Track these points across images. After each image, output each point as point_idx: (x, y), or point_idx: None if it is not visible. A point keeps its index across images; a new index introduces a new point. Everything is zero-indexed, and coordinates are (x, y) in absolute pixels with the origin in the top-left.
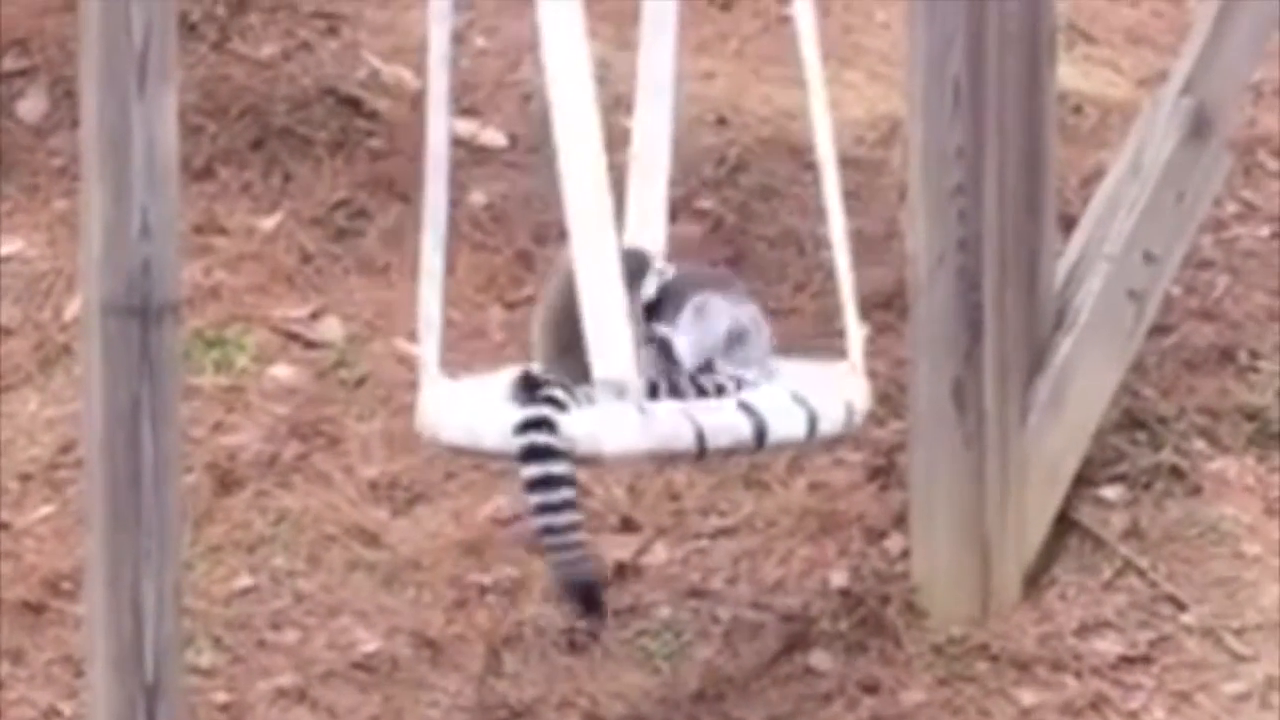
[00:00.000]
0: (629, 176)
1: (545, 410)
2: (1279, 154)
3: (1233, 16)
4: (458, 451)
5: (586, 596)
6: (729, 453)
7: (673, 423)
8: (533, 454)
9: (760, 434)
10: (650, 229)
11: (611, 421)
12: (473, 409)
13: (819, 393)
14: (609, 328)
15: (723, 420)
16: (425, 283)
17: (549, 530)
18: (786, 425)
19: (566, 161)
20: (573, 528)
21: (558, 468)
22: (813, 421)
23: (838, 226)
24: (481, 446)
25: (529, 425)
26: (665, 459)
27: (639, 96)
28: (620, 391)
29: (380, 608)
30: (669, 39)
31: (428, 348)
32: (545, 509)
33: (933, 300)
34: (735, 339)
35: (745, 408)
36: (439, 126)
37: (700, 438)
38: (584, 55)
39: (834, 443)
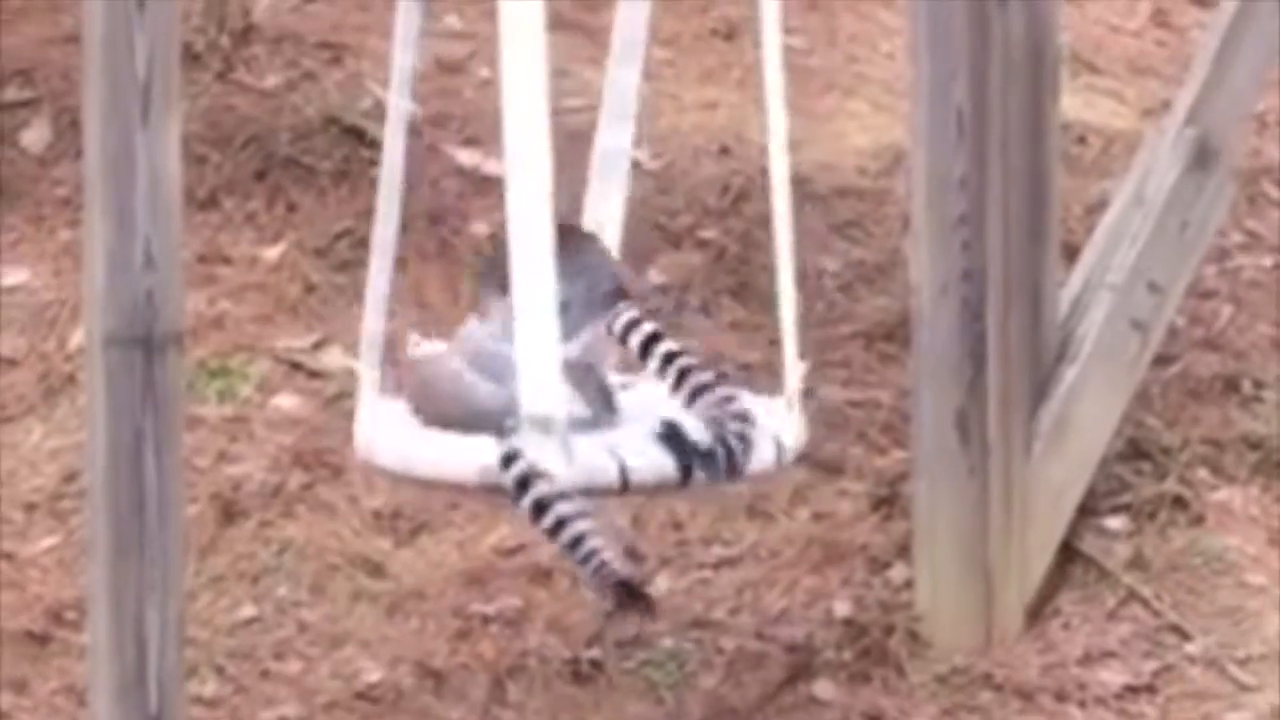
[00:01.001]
0: (585, 198)
1: (514, 442)
2: None
3: (1236, 47)
4: (388, 475)
5: (625, 592)
6: (654, 489)
7: (596, 458)
8: (523, 484)
9: (686, 472)
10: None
11: (537, 457)
12: (411, 434)
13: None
14: (537, 363)
15: (646, 457)
16: (370, 304)
17: (567, 548)
18: (711, 464)
19: (513, 191)
20: (581, 538)
21: (543, 487)
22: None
23: (784, 250)
24: (414, 472)
25: (510, 459)
26: (589, 494)
27: (602, 120)
28: (546, 427)
29: (384, 638)
30: (636, 66)
31: (368, 367)
32: (551, 530)
33: (936, 330)
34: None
35: (670, 444)
36: (395, 150)
37: (623, 473)
38: (542, 87)
39: (838, 474)
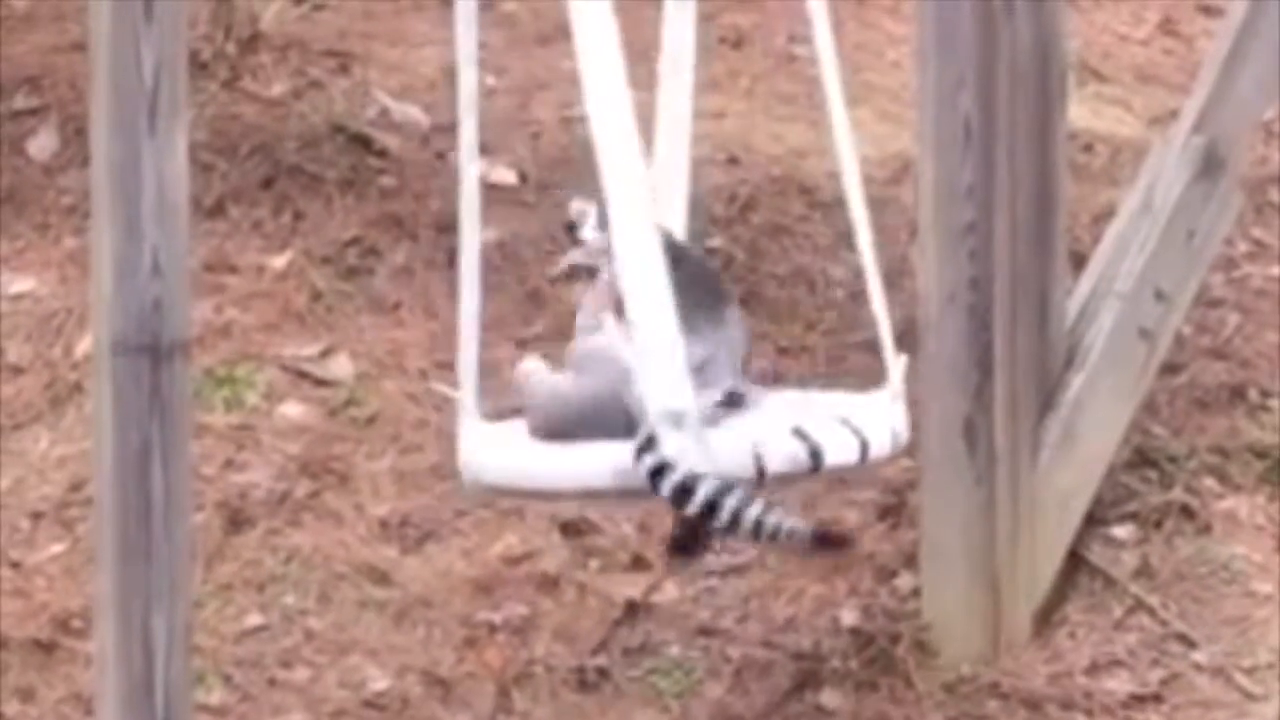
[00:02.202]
0: None
1: (652, 431)
2: None
3: (1243, 55)
4: (501, 493)
5: (824, 542)
6: (786, 479)
7: (731, 450)
8: (659, 471)
9: (816, 459)
10: None
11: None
12: (530, 450)
13: (866, 419)
14: (661, 359)
15: (780, 447)
16: (464, 328)
17: (754, 532)
18: (841, 450)
19: (612, 193)
20: (739, 513)
21: (677, 475)
22: (864, 447)
23: (868, 254)
24: (537, 486)
25: (645, 448)
26: None
27: (657, 134)
28: (677, 421)
29: (391, 646)
30: (687, 77)
31: (467, 393)
32: (704, 512)
33: (943, 338)
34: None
35: (800, 434)
36: (470, 172)
37: (759, 462)
38: (621, 74)
39: (843, 481)
